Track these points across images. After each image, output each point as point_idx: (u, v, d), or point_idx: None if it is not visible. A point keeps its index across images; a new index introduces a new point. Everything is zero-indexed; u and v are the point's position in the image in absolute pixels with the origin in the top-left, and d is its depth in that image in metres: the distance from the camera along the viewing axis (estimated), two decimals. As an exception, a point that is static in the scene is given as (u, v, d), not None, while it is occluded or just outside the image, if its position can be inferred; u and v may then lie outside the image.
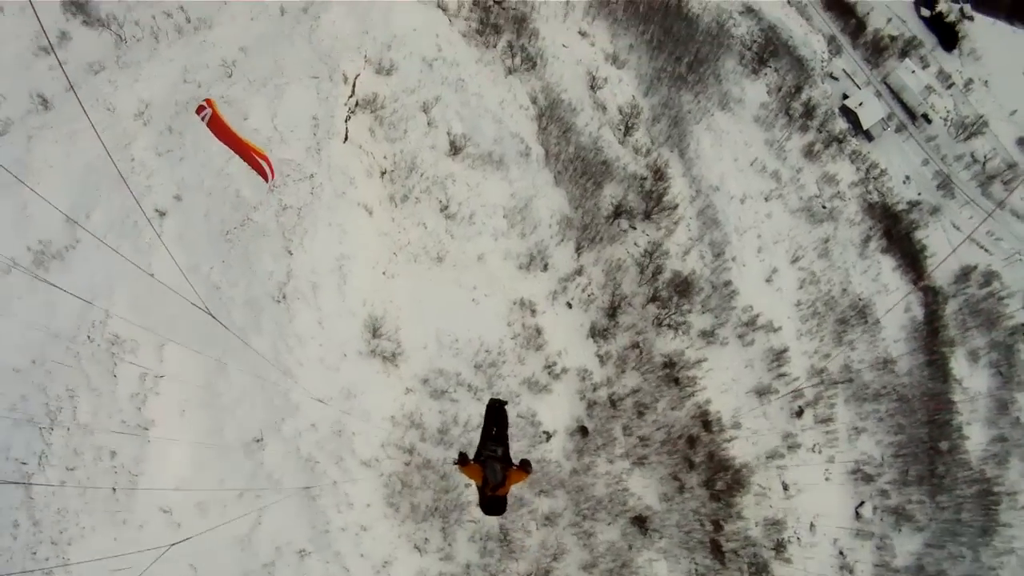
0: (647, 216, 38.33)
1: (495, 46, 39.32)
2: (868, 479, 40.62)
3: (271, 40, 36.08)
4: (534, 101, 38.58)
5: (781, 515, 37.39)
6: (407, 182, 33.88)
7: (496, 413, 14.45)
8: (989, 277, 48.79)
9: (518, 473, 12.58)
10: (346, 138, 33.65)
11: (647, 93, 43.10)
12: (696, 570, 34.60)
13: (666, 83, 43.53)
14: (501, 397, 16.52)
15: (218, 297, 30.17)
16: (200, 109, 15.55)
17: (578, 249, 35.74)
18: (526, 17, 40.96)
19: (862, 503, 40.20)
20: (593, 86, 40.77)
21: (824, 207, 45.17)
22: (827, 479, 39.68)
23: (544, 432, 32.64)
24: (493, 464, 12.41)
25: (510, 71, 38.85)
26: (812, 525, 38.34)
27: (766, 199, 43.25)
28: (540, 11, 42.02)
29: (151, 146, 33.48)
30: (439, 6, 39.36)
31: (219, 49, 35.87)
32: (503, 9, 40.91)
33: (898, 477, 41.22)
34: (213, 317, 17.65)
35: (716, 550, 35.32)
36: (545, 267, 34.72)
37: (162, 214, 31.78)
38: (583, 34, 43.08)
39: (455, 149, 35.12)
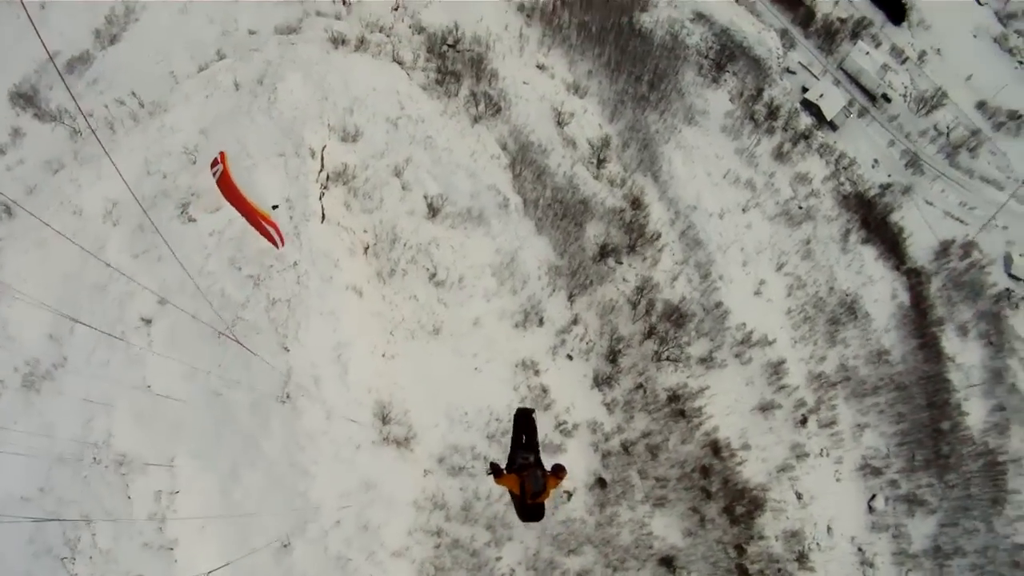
0: (632, 249, 39.69)
1: (457, 95, 40.03)
2: (877, 472, 42.76)
3: (230, 118, 36.24)
4: (504, 148, 39.47)
5: (799, 525, 39.28)
6: (391, 255, 34.58)
7: (524, 421, 15.43)
8: (968, 248, 51.30)
9: (554, 480, 13.59)
10: (323, 217, 34.15)
11: (612, 119, 44.25)
12: None
13: (630, 105, 44.72)
14: (528, 405, 17.42)
15: (221, 404, 30.69)
16: (214, 163, 16.07)
17: (570, 297, 36.93)
18: (483, 57, 41.68)
19: (873, 496, 42.35)
20: (560, 122, 41.79)
21: (800, 207, 47.05)
22: (838, 480, 41.76)
23: (565, 492, 33.93)
24: (535, 472, 13.32)
25: (476, 119, 39.62)
26: (829, 528, 40.37)
27: (744, 210, 44.92)
28: (495, 49, 42.70)
29: (125, 248, 33.67)
30: (395, 60, 39.88)
31: (179, 134, 36.01)
32: (458, 52, 41.55)
33: (905, 465, 43.32)
34: (239, 343, 18.01)
35: (743, 573, 37.13)
36: (540, 321, 35.83)
37: (148, 322, 32.06)
38: (541, 67, 43.93)
39: (433, 211, 35.91)
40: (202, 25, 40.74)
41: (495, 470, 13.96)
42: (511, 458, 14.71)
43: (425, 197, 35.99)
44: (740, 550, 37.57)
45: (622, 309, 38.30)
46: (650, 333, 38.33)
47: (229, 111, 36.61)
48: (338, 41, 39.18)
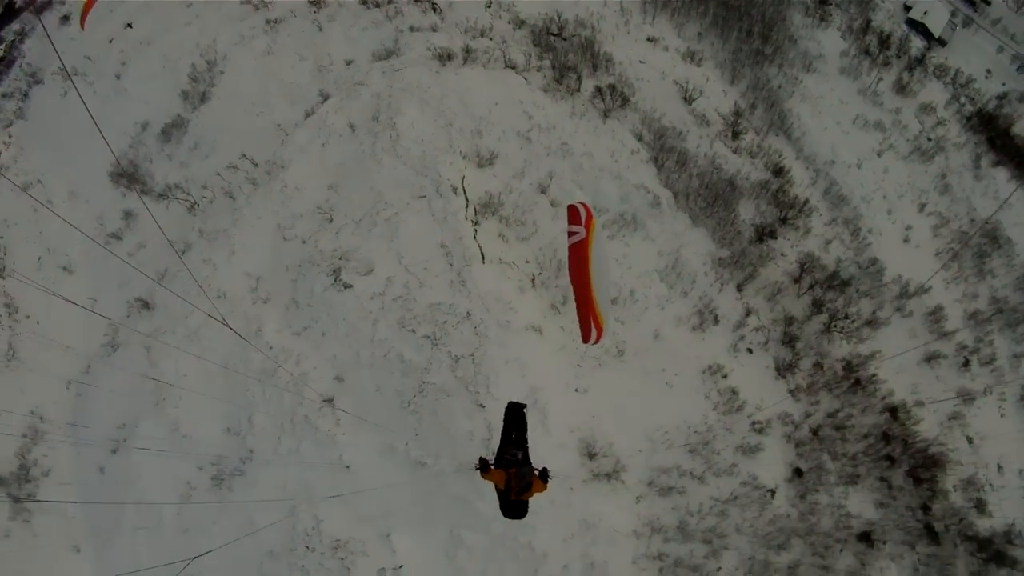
0: (784, 221, 38.24)
1: (580, 90, 37.81)
2: (1038, 401, 42.42)
3: (356, 166, 34.38)
4: (640, 139, 37.45)
5: (972, 471, 38.93)
6: (559, 282, 33.29)
7: (515, 416, 15.48)
8: (1092, 144, 49.33)
9: (539, 483, 13.57)
10: (483, 257, 32.87)
11: (733, 81, 42.03)
12: (919, 560, 36.42)
13: (747, 63, 42.41)
14: (520, 401, 17.34)
15: (426, 472, 30.22)
16: (573, 217, 13.72)
17: (739, 288, 35.73)
18: (592, 41, 39.29)
19: None
20: (687, 98, 39.63)
21: (930, 139, 45.14)
22: (1002, 416, 41.28)
23: (769, 491, 33.76)
24: (522, 469, 13.40)
25: (606, 114, 37.52)
26: (999, 467, 40.07)
27: (879, 155, 43.14)
28: (601, 29, 40.23)
29: (284, 327, 32.47)
30: (508, 65, 37.54)
31: (305, 193, 34.24)
32: (565, 40, 39.21)
33: (1065, 386, 42.77)
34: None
35: (931, 534, 37.17)
36: (716, 320, 34.75)
37: (329, 401, 31.28)
38: (652, 40, 41.41)
39: (588, 224, 34.44)
40: (293, 64, 38.18)
41: (483, 465, 13.94)
42: (499, 454, 14.81)
43: (579, 213, 34.54)
44: (926, 510, 37.57)
45: (787, 288, 37.13)
46: (817, 306, 37.32)
47: (353, 157, 34.60)
48: (444, 57, 36.65)
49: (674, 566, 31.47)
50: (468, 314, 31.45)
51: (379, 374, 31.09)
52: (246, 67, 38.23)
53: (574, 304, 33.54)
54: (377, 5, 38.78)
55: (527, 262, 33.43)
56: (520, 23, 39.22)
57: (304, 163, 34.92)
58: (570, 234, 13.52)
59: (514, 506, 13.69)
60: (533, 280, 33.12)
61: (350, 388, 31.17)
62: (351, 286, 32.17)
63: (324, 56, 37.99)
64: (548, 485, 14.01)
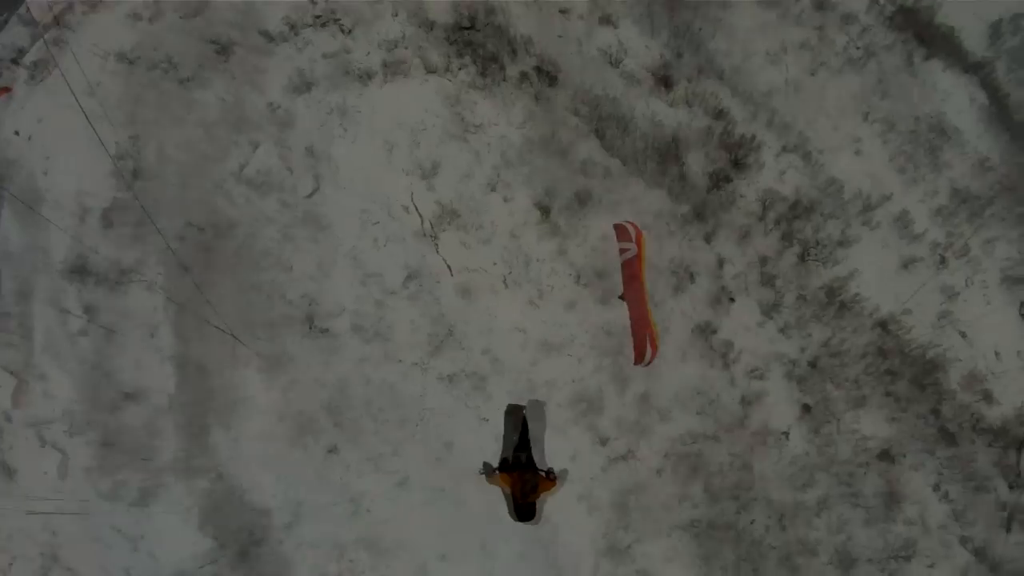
0: (735, 163, 38.15)
1: (506, 79, 37.31)
2: (1018, 280, 42.42)
3: (302, 207, 33.00)
4: (576, 113, 37.09)
5: (972, 364, 38.90)
6: (530, 276, 32.98)
7: (514, 418, 15.71)
8: (1017, 19, 49.61)
9: (547, 482, 13.78)
10: (451, 271, 32.53)
11: (653, 34, 41.48)
12: (941, 464, 36.71)
13: (662, 12, 41.90)
14: (518, 402, 17.42)
15: (445, 496, 29.88)
16: (622, 233, 13.02)
17: (707, 239, 35.74)
18: (506, 27, 38.63)
19: (1022, 304, 42.54)
20: (612, 62, 39.17)
21: (859, 48, 45.00)
22: (988, 303, 41.49)
23: (783, 434, 33.94)
24: (527, 471, 13.69)
25: (536, 97, 37.11)
26: (997, 354, 40.43)
27: (812, 74, 42.84)
28: (512, 12, 39.51)
29: (271, 385, 31.29)
30: (429, 70, 36.87)
31: (258, 246, 33.15)
32: (478, 31, 38.54)
33: (1039, 263, 43.24)
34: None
35: (947, 436, 37.46)
36: (692, 277, 34.57)
37: (334, 451, 30.93)
38: (563, 11, 40.75)
39: (544, 211, 34.16)
40: (215, 119, 35.73)
41: (487, 470, 14.22)
42: (504, 457, 15.00)
43: (536, 205, 34.29)
44: (936, 414, 37.82)
45: (754, 228, 37.05)
46: (787, 240, 37.24)
47: (297, 200, 33.41)
48: (364, 77, 35.87)
49: (708, 529, 31.65)
50: (450, 331, 31.17)
51: (376, 411, 30.76)
52: (169, 133, 36.99)
53: (552, 296, 33.54)
54: (285, 40, 37.74)
55: (495, 264, 33.08)
56: (431, 25, 38.29)
57: (250, 217, 34.07)
58: (621, 251, 13.36)
59: (524, 508, 13.65)
60: (504, 280, 32.77)
61: (350, 431, 30.77)
62: (327, 330, 31.63)
63: (245, 105, 36.91)
64: (557, 483, 13.84)
